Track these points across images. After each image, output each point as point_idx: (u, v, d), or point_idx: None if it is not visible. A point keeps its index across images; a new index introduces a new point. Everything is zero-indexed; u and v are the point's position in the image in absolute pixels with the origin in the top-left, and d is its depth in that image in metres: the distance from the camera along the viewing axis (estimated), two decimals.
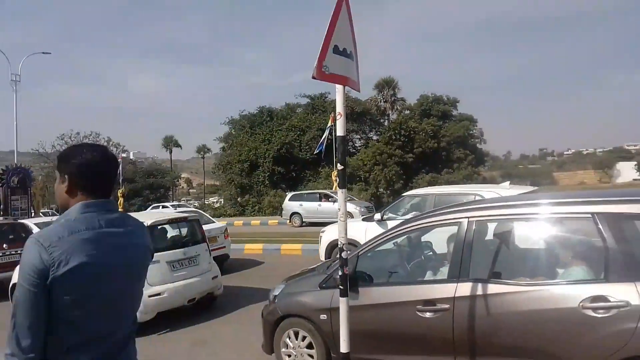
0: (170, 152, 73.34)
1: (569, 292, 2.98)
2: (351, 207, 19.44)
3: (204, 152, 79.27)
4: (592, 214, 3.05)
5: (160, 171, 57.12)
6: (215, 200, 41.75)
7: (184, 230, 7.49)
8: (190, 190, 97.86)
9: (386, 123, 41.22)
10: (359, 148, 41.85)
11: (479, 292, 3.27)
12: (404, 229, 3.93)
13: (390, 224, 8.08)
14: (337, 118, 3.04)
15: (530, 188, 8.21)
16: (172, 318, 6.52)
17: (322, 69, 2.81)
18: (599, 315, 2.83)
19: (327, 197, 21.17)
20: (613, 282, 2.86)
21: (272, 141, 37.92)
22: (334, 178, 23.52)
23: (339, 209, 3.12)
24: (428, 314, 3.43)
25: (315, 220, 19.75)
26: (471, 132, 38.09)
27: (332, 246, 8.97)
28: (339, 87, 3.02)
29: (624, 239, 2.92)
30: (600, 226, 3.00)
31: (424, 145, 34.92)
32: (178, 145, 74.34)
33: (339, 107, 3.04)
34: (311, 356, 4.14)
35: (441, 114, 37.42)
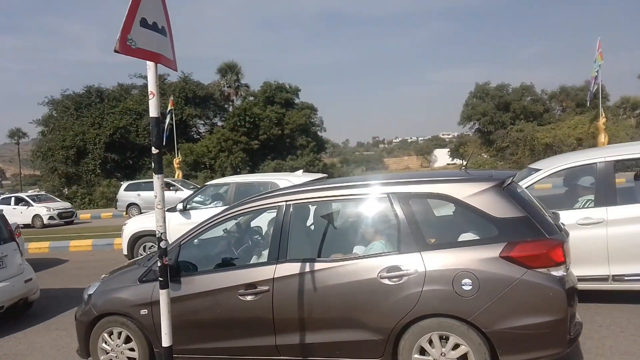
0: None
1: (370, 264, 3.33)
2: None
3: (18, 137, 68.22)
4: (388, 194, 3.45)
5: None
6: (35, 193, 36.39)
7: None
8: (4, 182, 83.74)
9: (230, 109, 40.68)
10: (203, 134, 40.61)
11: (296, 271, 3.45)
12: (224, 215, 3.92)
13: (194, 213, 8.12)
14: (150, 98, 2.84)
15: (320, 175, 8.96)
16: None
17: (127, 43, 2.59)
18: (393, 283, 3.22)
19: (168, 186, 20.09)
20: (404, 253, 3.27)
21: (103, 125, 34.50)
22: (176, 165, 22.47)
23: (156, 196, 2.93)
24: (249, 297, 3.50)
25: None
26: (312, 120, 39.77)
27: (135, 239, 8.70)
28: (150, 64, 2.82)
29: (412, 214, 3.36)
30: (393, 205, 3.40)
31: (269, 132, 35.43)
32: None
33: (151, 86, 2.84)
34: (132, 353, 3.92)
35: (284, 102, 38.24)
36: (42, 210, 19.99)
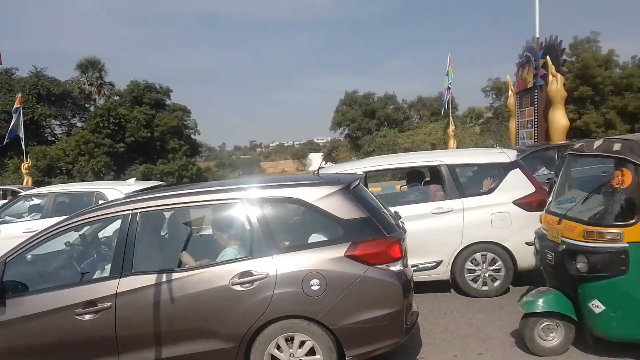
0: None
1: (222, 271, 3.28)
2: None
3: None
4: (241, 199, 3.44)
5: None
6: None
7: None
8: None
9: (92, 109, 37.31)
10: (59, 136, 36.66)
11: (143, 284, 3.26)
12: (60, 227, 3.54)
13: (4, 228, 7.42)
14: None
15: (156, 183, 8.71)
16: None
17: None
18: (245, 289, 3.21)
19: (14, 194, 17.60)
20: (256, 258, 3.29)
21: None
22: (24, 171, 19.86)
23: None
24: (88, 316, 3.22)
25: None
26: (185, 122, 38.41)
27: None
28: None
29: (264, 219, 3.39)
30: (246, 210, 3.40)
31: (137, 134, 33.41)
32: None
33: None
34: None
35: (154, 103, 36.29)
36: None
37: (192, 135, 39.63)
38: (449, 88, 21.93)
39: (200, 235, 4.21)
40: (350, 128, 40.53)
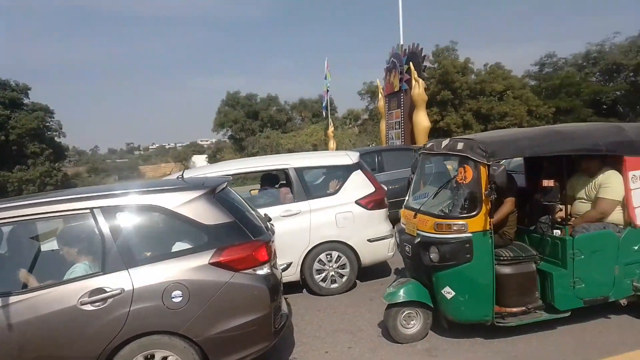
0: None
1: (69, 290, 2.96)
2: None
3: None
4: (90, 209, 3.13)
5: None
6: None
7: None
8: None
9: None
10: None
11: None
12: None
13: None
14: None
15: None
16: None
17: None
18: (97, 308, 2.93)
19: None
20: (110, 273, 3.01)
21: None
22: None
23: None
24: None
25: None
26: (48, 124, 34.70)
27: None
28: None
29: (118, 230, 3.12)
30: (98, 220, 3.10)
31: None
32: None
33: None
34: None
35: (8, 102, 32.22)
36: None
37: (56, 138, 36.00)
38: (327, 91, 22.74)
39: (52, 250, 3.75)
40: (234, 129, 39.96)
